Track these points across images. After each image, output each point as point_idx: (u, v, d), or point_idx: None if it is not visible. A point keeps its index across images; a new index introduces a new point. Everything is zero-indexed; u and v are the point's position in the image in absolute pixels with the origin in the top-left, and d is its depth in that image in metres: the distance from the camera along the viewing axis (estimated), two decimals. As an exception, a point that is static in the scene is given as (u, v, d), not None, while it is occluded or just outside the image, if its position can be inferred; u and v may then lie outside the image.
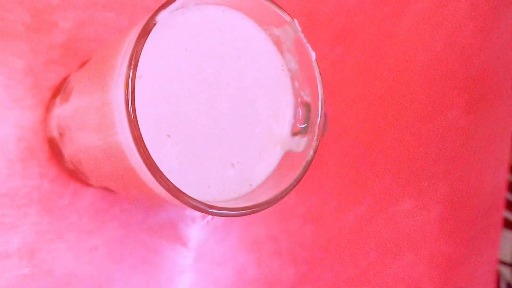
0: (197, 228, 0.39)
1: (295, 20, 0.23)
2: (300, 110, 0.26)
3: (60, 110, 0.28)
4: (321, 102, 0.24)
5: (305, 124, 0.26)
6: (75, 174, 0.31)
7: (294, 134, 0.25)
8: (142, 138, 0.19)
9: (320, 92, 0.24)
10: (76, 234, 0.33)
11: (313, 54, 0.24)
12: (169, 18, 0.22)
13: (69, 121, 0.26)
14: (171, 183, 0.20)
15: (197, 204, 0.20)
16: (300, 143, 0.24)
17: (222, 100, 0.23)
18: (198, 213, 0.37)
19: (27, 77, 0.31)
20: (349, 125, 0.46)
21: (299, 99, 0.25)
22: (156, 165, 0.19)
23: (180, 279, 0.38)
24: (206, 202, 0.21)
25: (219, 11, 0.23)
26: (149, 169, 0.19)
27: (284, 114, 0.25)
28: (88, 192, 0.33)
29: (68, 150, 0.28)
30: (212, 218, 0.40)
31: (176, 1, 0.19)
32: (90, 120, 0.23)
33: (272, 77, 0.25)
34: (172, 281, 0.37)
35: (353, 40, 0.47)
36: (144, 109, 0.21)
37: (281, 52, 0.25)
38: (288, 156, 0.25)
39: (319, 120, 0.24)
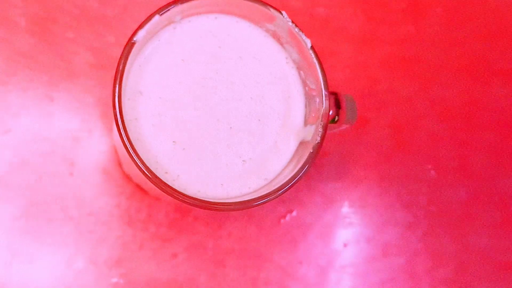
0: (274, 228, 0.40)
1: (283, 12, 0.23)
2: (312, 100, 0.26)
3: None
4: (324, 88, 0.23)
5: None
6: (143, 190, 0.34)
7: (306, 123, 0.25)
8: (136, 152, 0.20)
9: (321, 79, 0.24)
10: (156, 243, 0.36)
11: (307, 42, 0.24)
12: (162, 34, 0.24)
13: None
14: (169, 187, 0.21)
15: (197, 203, 0.21)
16: (310, 131, 0.24)
17: (226, 100, 0.24)
18: (273, 216, 0.38)
19: (97, 108, 0.35)
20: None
21: (307, 88, 0.25)
22: (155, 175, 0.21)
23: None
24: (208, 200, 0.22)
25: (211, 19, 0.25)
26: (151, 181, 0.21)
27: (295, 106, 0.25)
28: (162, 205, 0.36)
29: (126, 168, 0.31)
30: (285, 218, 0.41)
31: (152, 20, 0.21)
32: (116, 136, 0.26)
33: (278, 71, 0.25)
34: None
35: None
36: (148, 121, 0.23)
37: (282, 45, 0.25)
38: (301, 146, 0.25)
39: (323, 106, 0.23)
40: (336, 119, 0.27)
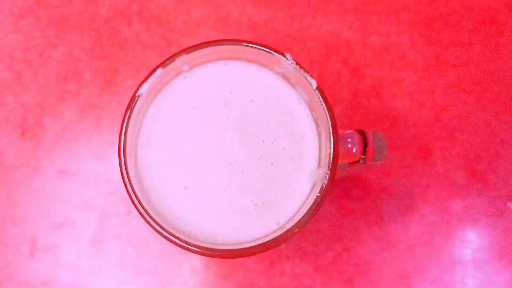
0: (324, 265, 0.39)
1: (287, 55, 0.23)
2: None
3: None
4: (331, 130, 0.23)
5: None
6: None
7: (320, 165, 0.24)
8: (140, 202, 0.22)
9: (328, 120, 0.23)
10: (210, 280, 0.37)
11: (313, 83, 0.23)
12: (174, 84, 0.25)
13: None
14: (171, 234, 0.22)
15: (200, 250, 0.22)
16: (320, 173, 0.24)
17: (238, 144, 0.24)
18: (324, 251, 0.37)
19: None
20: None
21: (319, 129, 0.24)
22: (153, 222, 0.22)
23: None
24: (218, 245, 0.22)
25: (221, 66, 0.25)
26: (153, 228, 0.22)
27: (308, 146, 0.25)
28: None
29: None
30: (340, 255, 0.39)
31: (155, 73, 0.22)
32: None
33: (290, 112, 0.25)
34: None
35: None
36: (161, 167, 0.24)
37: (293, 86, 0.25)
38: (314, 188, 0.24)
39: (330, 149, 0.23)
40: (362, 159, 0.26)
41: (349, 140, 0.25)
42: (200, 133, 0.24)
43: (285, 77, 0.24)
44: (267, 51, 0.23)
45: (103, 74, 0.40)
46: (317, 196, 0.21)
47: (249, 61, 0.24)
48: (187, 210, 0.23)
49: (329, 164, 0.21)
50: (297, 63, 0.23)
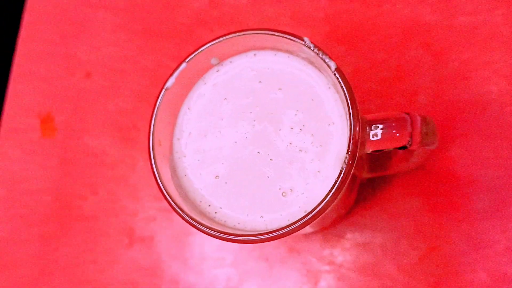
0: (408, 267, 0.37)
1: (305, 39, 0.23)
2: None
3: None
4: (352, 113, 0.22)
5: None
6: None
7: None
8: (170, 196, 0.23)
9: (349, 102, 0.22)
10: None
11: (332, 65, 0.23)
12: (207, 77, 0.26)
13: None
14: (193, 219, 0.23)
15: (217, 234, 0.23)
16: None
17: (267, 132, 0.25)
18: (407, 252, 0.35)
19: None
20: None
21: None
22: (181, 211, 0.23)
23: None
24: (247, 232, 0.23)
25: (250, 56, 0.26)
26: (178, 214, 0.23)
27: (338, 132, 0.24)
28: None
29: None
30: (425, 255, 0.37)
31: (180, 68, 0.24)
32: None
33: (318, 97, 0.25)
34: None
35: None
36: (194, 157, 0.26)
37: (320, 71, 0.25)
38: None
39: (350, 132, 0.22)
40: (409, 143, 0.25)
41: (393, 124, 0.23)
42: (231, 123, 0.25)
43: (311, 63, 0.24)
44: (286, 37, 0.23)
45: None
46: (335, 181, 0.21)
47: (277, 49, 0.25)
48: (217, 198, 0.24)
49: (348, 148, 0.21)
50: (315, 46, 0.22)
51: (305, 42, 0.22)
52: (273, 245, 0.39)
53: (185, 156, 0.25)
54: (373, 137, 0.24)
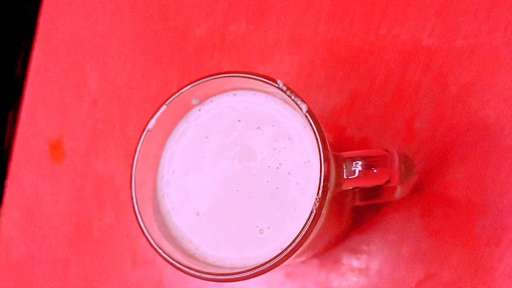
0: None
1: (278, 81, 0.24)
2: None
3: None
4: (322, 154, 0.23)
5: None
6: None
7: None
8: (151, 235, 0.24)
9: (319, 144, 0.23)
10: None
11: (303, 107, 0.23)
12: (190, 116, 0.27)
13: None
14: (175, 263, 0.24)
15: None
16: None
17: (245, 170, 0.26)
18: (405, 278, 0.35)
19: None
20: None
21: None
22: (164, 255, 0.24)
23: None
24: (226, 268, 0.24)
25: (231, 96, 0.27)
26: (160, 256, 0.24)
27: (314, 170, 0.25)
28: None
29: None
30: (423, 282, 0.37)
31: (160, 110, 0.25)
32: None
33: (295, 136, 0.25)
34: None
35: None
36: (177, 195, 0.27)
37: (295, 109, 0.25)
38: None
39: (321, 173, 0.23)
40: (387, 182, 0.25)
41: (371, 162, 0.24)
42: (212, 162, 0.25)
43: (288, 103, 0.24)
44: (261, 80, 0.23)
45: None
46: (307, 220, 0.21)
47: (255, 90, 0.25)
48: (198, 235, 0.25)
49: (319, 186, 0.21)
50: (288, 88, 0.23)
51: (278, 84, 0.23)
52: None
53: (168, 194, 0.26)
54: (350, 175, 0.24)
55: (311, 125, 0.22)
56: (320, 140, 0.22)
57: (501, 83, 0.37)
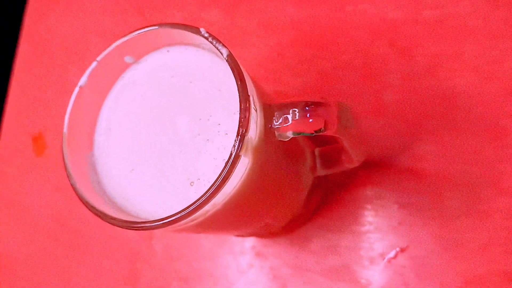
0: (377, 269, 0.35)
1: (201, 29, 0.24)
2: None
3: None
4: (242, 97, 0.22)
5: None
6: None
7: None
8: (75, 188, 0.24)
9: (239, 87, 0.23)
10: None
11: (224, 51, 0.23)
12: (126, 75, 0.27)
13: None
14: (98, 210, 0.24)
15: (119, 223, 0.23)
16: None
17: (178, 124, 0.25)
18: (375, 253, 0.34)
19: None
20: None
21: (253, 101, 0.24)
22: (85, 200, 0.24)
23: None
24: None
25: (164, 52, 0.27)
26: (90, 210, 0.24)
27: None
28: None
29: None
30: (394, 257, 0.35)
31: (91, 66, 0.25)
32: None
33: (225, 87, 0.25)
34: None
35: None
36: (114, 152, 0.27)
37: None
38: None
39: (240, 116, 0.22)
40: (322, 129, 0.25)
41: (306, 108, 0.23)
42: (145, 118, 0.26)
43: (216, 54, 0.24)
44: (183, 29, 0.23)
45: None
46: (225, 165, 0.21)
47: (186, 44, 0.25)
48: (132, 190, 0.25)
49: (238, 133, 0.21)
50: (210, 35, 0.23)
51: (201, 32, 0.23)
52: (240, 250, 0.38)
53: (105, 151, 0.26)
54: (284, 123, 0.24)
55: (232, 69, 0.22)
56: (240, 85, 0.22)
57: (469, 52, 0.37)
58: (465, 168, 0.35)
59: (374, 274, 0.34)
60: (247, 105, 0.22)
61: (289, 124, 0.24)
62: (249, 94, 0.22)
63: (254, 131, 0.23)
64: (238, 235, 0.36)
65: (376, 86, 0.38)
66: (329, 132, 0.25)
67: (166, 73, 0.26)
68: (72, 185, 0.23)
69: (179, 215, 0.22)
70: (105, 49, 0.24)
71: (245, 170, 0.23)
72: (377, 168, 0.36)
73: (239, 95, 0.22)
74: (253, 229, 0.31)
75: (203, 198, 0.21)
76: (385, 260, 0.34)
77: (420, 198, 0.35)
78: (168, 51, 0.26)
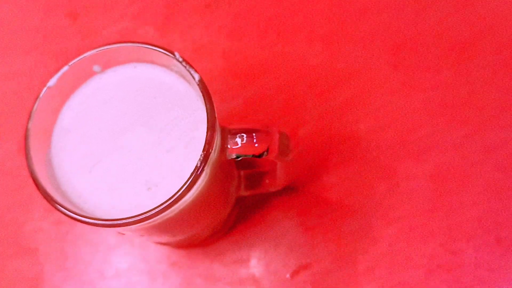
0: (282, 283, 0.39)
1: (176, 53, 0.27)
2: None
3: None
4: (208, 118, 0.25)
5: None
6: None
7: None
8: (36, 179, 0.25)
9: (207, 109, 0.26)
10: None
11: (196, 76, 0.26)
12: (90, 82, 0.29)
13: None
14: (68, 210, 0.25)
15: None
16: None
17: (138, 134, 0.28)
18: (281, 268, 0.38)
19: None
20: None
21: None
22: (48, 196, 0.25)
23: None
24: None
25: (131, 68, 0.29)
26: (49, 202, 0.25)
27: (202, 138, 0.27)
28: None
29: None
30: (297, 272, 0.40)
31: (62, 70, 0.27)
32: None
33: (187, 106, 0.28)
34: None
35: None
36: (72, 153, 0.28)
37: (189, 83, 0.28)
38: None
39: (206, 135, 0.25)
40: (265, 152, 0.28)
41: (254, 134, 0.27)
42: (108, 125, 0.27)
43: (183, 77, 0.27)
44: (159, 51, 0.26)
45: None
46: (189, 177, 0.24)
47: (154, 63, 0.28)
48: (89, 191, 0.26)
49: (204, 149, 0.24)
50: (183, 60, 0.26)
51: (175, 55, 0.26)
52: (156, 259, 0.40)
53: (63, 150, 0.27)
54: (234, 145, 0.27)
55: (202, 92, 0.25)
56: (208, 107, 0.25)
57: (371, 103, 0.44)
58: (361, 199, 0.41)
59: (279, 286, 0.39)
60: (214, 126, 0.25)
61: (239, 146, 0.28)
62: (215, 116, 0.26)
63: (214, 149, 0.26)
64: (161, 243, 0.39)
65: (293, 121, 0.43)
66: (270, 157, 0.29)
67: (132, 86, 0.28)
68: (31, 172, 0.24)
69: (140, 217, 0.24)
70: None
71: (202, 182, 0.26)
72: (289, 194, 0.42)
73: (207, 117, 0.25)
74: (181, 238, 0.34)
75: (166, 204, 0.24)
76: (289, 275, 0.39)
77: (323, 223, 0.41)
78: (135, 67, 0.29)
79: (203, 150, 0.24)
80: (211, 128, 0.25)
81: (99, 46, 0.27)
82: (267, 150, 0.28)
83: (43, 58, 0.47)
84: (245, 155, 0.28)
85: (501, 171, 0.40)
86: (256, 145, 0.28)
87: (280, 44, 0.45)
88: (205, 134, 0.26)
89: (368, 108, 0.43)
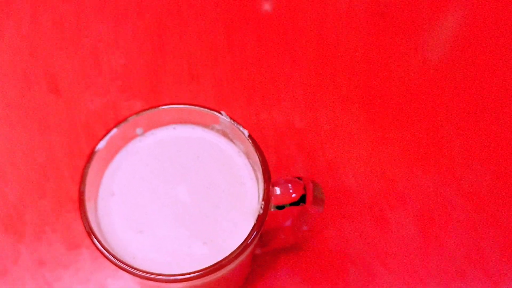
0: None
1: (222, 112, 0.28)
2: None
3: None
4: (262, 170, 0.27)
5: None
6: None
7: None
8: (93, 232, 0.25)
9: (259, 163, 0.27)
10: None
11: (245, 132, 0.28)
12: (129, 146, 0.29)
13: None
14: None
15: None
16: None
17: (185, 194, 0.28)
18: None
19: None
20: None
21: (258, 174, 0.28)
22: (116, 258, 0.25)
23: None
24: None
25: (170, 129, 0.30)
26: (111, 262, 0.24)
27: (249, 190, 0.28)
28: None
29: None
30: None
31: (110, 132, 0.27)
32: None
33: (231, 162, 0.29)
34: None
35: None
36: (119, 216, 0.28)
37: (232, 141, 0.30)
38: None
39: (264, 190, 0.26)
40: (301, 203, 0.30)
41: (289, 185, 0.29)
42: (153, 185, 0.28)
43: (224, 134, 0.29)
44: (206, 111, 0.27)
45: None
46: (254, 224, 0.25)
47: (194, 123, 0.29)
48: (142, 251, 0.26)
49: (262, 201, 0.25)
50: (231, 118, 0.28)
51: (222, 114, 0.28)
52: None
53: (110, 214, 0.27)
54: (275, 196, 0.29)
55: (253, 147, 0.27)
56: (261, 161, 0.27)
57: (356, 159, 0.47)
58: (359, 247, 0.43)
59: None
60: (269, 180, 0.27)
61: (278, 195, 0.30)
62: (269, 169, 0.27)
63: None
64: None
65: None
66: (306, 205, 0.31)
67: (173, 146, 0.30)
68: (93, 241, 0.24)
69: (196, 274, 0.25)
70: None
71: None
72: (294, 251, 0.43)
73: (262, 168, 0.27)
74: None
75: (226, 260, 0.25)
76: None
77: (328, 274, 0.42)
78: (174, 128, 0.30)
79: (264, 203, 0.26)
80: (267, 182, 0.26)
81: (143, 110, 0.28)
82: (304, 199, 0.30)
83: (25, 132, 0.46)
84: (283, 205, 0.29)
85: (476, 211, 0.44)
86: (293, 195, 0.30)
87: (267, 110, 0.48)
88: (252, 189, 0.27)
89: (354, 163, 0.47)
